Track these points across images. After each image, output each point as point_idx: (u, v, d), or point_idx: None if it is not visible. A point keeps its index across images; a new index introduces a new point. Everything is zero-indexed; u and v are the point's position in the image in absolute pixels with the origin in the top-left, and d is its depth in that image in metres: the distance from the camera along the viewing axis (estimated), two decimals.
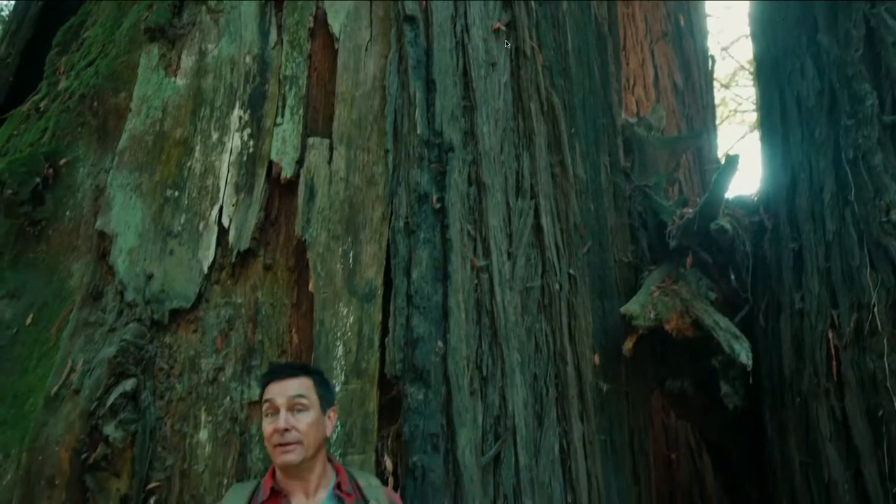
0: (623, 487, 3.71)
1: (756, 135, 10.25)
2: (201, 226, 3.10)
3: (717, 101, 9.90)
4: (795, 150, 3.82)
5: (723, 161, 3.77)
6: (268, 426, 2.03)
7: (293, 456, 1.98)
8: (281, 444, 1.98)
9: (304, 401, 2.05)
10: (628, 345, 3.62)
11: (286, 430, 1.99)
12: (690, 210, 3.96)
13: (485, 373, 2.97)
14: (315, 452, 2.04)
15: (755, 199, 4.19)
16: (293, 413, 2.02)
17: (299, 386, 2.08)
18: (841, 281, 3.29)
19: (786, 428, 3.39)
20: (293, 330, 2.96)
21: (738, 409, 3.52)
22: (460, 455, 2.71)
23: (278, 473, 2.05)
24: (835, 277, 3.32)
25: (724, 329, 3.41)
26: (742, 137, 13.94)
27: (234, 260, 3.01)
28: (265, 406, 2.07)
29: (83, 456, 2.63)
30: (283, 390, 2.05)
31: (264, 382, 2.13)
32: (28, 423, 2.84)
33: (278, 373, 2.13)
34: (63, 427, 2.69)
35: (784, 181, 3.84)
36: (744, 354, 3.25)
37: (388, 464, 2.71)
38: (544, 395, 3.18)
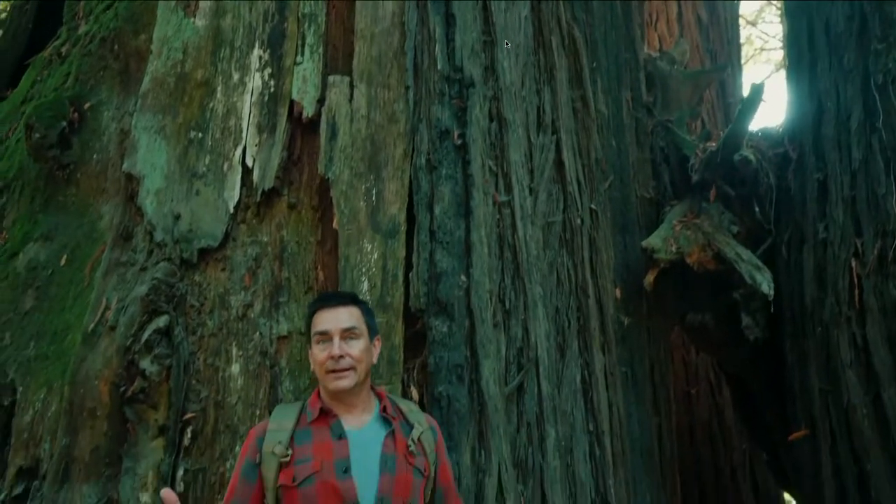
0: (644, 418, 3.79)
1: (782, 74, 10.01)
2: (225, 166, 3.14)
3: (742, 38, 9.65)
4: (823, 79, 3.75)
5: (748, 93, 3.71)
6: (320, 353, 2.08)
7: (346, 382, 2.04)
8: (335, 371, 2.04)
9: (355, 330, 2.10)
10: (649, 278, 3.64)
11: (340, 356, 2.04)
12: (713, 144, 3.92)
13: (507, 306, 3.02)
14: (364, 378, 2.11)
15: (780, 130, 4.13)
16: (346, 341, 2.07)
17: (350, 315, 2.12)
18: (866, 209, 3.26)
19: (806, 357, 3.42)
20: (319, 267, 3.01)
21: (759, 340, 3.55)
22: (484, 385, 2.79)
23: (325, 396, 2.11)
24: (859, 206, 3.29)
25: (746, 261, 3.41)
26: (768, 77, 13.59)
27: (258, 199, 3.05)
28: (317, 335, 2.10)
29: (122, 389, 2.73)
30: (335, 318, 2.10)
31: (314, 310, 2.17)
32: (68, 358, 2.95)
33: (330, 301, 2.18)
34: (101, 362, 2.79)
35: (810, 110, 3.78)
36: (765, 285, 3.26)
37: (415, 394, 2.79)
38: (566, 328, 3.23)
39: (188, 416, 2.72)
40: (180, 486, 2.65)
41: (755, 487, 6.37)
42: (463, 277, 2.89)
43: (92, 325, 2.89)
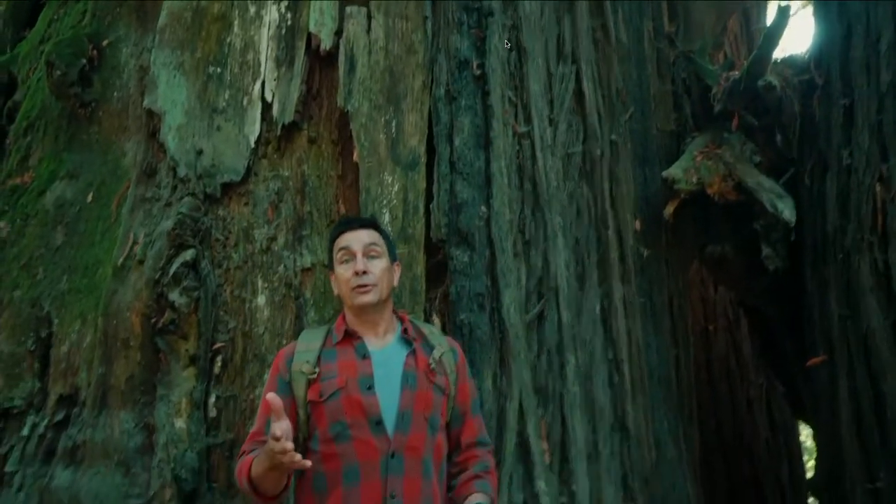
0: (662, 348, 3.84)
1: (808, 10, 9.69)
2: (245, 101, 3.15)
3: None
4: (852, 1, 3.64)
5: (774, 16, 3.61)
6: (345, 271, 2.13)
7: (370, 297, 2.09)
8: (359, 287, 2.09)
9: (377, 248, 2.15)
10: (669, 210, 3.63)
11: (364, 272, 2.09)
12: (737, 73, 3.84)
13: (527, 236, 3.05)
14: (387, 297, 2.16)
15: (805, 56, 4.03)
16: (368, 258, 2.12)
17: (371, 235, 2.18)
18: (892, 133, 3.21)
19: (826, 284, 3.43)
20: (340, 200, 3.05)
21: (779, 271, 3.56)
22: (505, 313, 2.84)
23: (349, 318, 2.17)
24: (886, 130, 3.23)
25: (768, 189, 3.40)
26: (794, 14, 13.15)
27: (279, 134, 3.07)
28: (340, 253, 2.16)
29: (153, 320, 2.81)
30: (357, 237, 2.15)
31: (336, 234, 2.22)
32: (100, 291, 3.03)
33: (351, 223, 2.24)
34: (132, 294, 2.87)
35: (838, 34, 3.68)
36: (787, 212, 3.25)
37: (437, 323, 2.85)
38: (586, 258, 3.26)
39: (217, 345, 2.80)
40: (213, 412, 2.75)
41: (771, 420, 6.46)
42: (483, 208, 2.92)
43: (121, 260, 2.96)
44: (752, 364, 6.57)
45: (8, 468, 3.16)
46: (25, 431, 3.15)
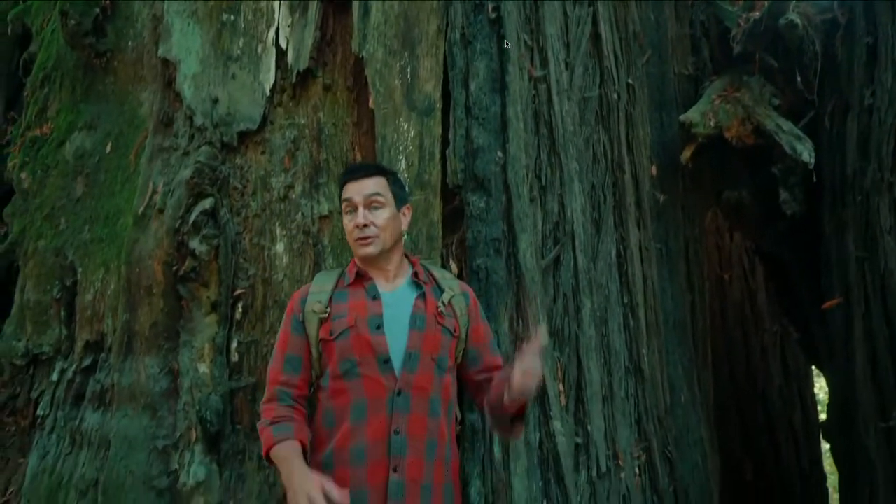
0: (677, 293, 3.86)
1: None
2: (259, 48, 3.13)
3: None
4: None
5: None
6: (348, 223, 2.17)
7: (372, 248, 2.13)
8: (361, 238, 2.13)
9: (379, 198, 2.16)
10: (686, 154, 3.60)
11: (365, 225, 2.12)
12: (757, 13, 3.76)
13: (543, 181, 3.04)
14: (392, 245, 2.19)
15: None
16: (370, 210, 2.14)
17: (374, 185, 2.18)
18: None
19: (844, 226, 3.42)
20: (356, 147, 3.04)
21: (796, 215, 3.54)
22: (521, 258, 2.85)
23: (359, 262, 2.22)
24: None
25: (787, 132, 3.36)
26: None
27: (294, 81, 3.04)
28: (344, 204, 2.19)
29: (174, 268, 2.85)
30: (359, 189, 2.16)
31: (342, 182, 2.24)
32: (122, 240, 3.08)
33: (355, 172, 2.24)
34: (153, 243, 2.91)
35: None
36: (806, 153, 3.22)
37: (454, 268, 2.87)
38: (602, 203, 3.26)
39: (238, 292, 2.84)
40: (235, 357, 2.81)
41: (785, 368, 6.51)
42: (499, 153, 2.91)
43: (141, 209, 2.99)
44: (766, 312, 6.60)
45: (39, 412, 3.27)
46: (54, 377, 3.25)
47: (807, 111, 3.78)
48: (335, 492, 1.83)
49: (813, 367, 6.60)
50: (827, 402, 4.07)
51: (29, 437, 3.40)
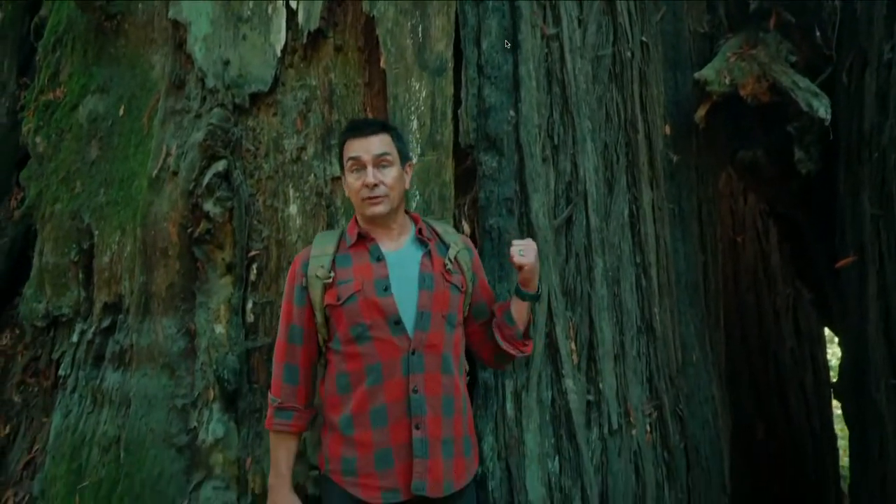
0: (690, 254, 3.85)
1: None
2: (270, 9, 3.10)
3: None
4: None
5: None
6: (355, 181, 2.14)
7: (381, 207, 2.12)
8: (370, 198, 2.11)
9: (388, 157, 2.14)
10: (701, 113, 3.56)
11: (375, 184, 2.10)
12: None
13: (556, 140, 3.02)
14: (398, 204, 2.19)
15: None
16: (379, 168, 2.12)
17: (381, 142, 2.15)
18: None
19: (860, 184, 3.39)
20: (367, 108, 3.02)
21: (811, 174, 3.51)
22: (534, 217, 2.86)
23: (361, 222, 2.20)
24: None
25: (803, 88, 3.31)
26: None
27: (304, 42, 3.02)
28: (350, 162, 2.15)
29: (189, 230, 2.88)
30: (367, 147, 2.13)
31: (345, 138, 2.20)
32: (137, 203, 3.10)
33: (361, 129, 2.20)
34: (168, 205, 2.93)
35: None
36: (822, 110, 3.18)
37: (466, 228, 2.88)
38: (615, 163, 3.24)
39: (252, 254, 2.86)
40: (250, 318, 2.85)
41: (797, 330, 6.52)
42: (511, 112, 2.89)
43: (155, 172, 3.01)
44: (779, 275, 6.58)
45: (61, 372, 3.34)
46: (75, 338, 3.31)
47: (824, 67, 3.72)
48: None
49: (825, 331, 6.60)
50: (839, 363, 4.08)
51: (52, 397, 3.48)
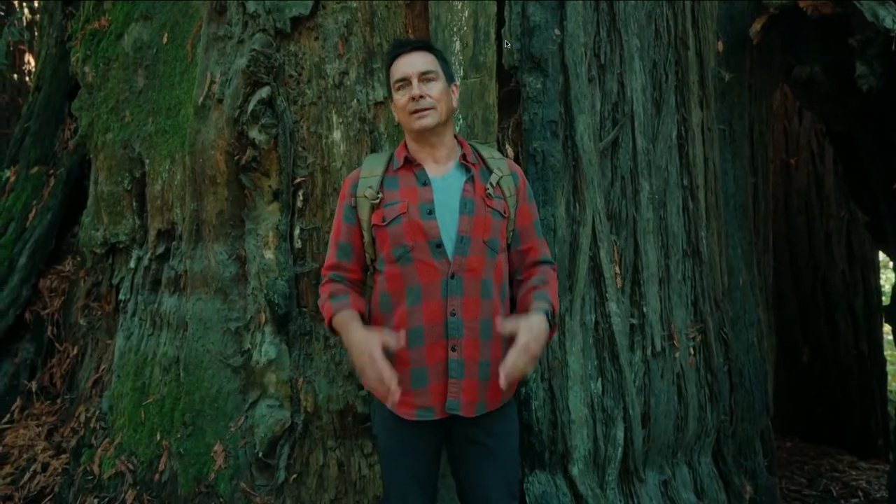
0: (740, 175, 3.76)
1: None
2: None
3: None
4: None
5: None
6: (402, 98, 2.14)
7: (429, 120, 2.11)
8: (417, 111, 2.11)
9: (432, 73, 2.14)
10: (756, 27, 3.39)
11: (421, 97, 2.10)
12: None
13: (602, 60, 2.94)
14: (446, 119, 2.17)
15: None
16: (424, 83, 2.12)
17: (425, 59, 2.15)
18: None
19: None
20: (409, 30, 2.97)
21: (872, 90, 3.33)
22: (579, 140, 2.81)
23: (410, 145, 2.21)
24: None
25: None
26: None
27: None
28: (397, 83, 2.16)
29: (236, 158, 2.92)
30: (412, 62, 2.13)
31: (391, 58, 2.20)
32: (184, 131, 3.15)
33: (404, 47, 2.19)
34: (214, 133, 2.97)
35: None
36: (889, 19, 2.99)
37: (510, 151, 2.85)
38: (663, 82, 3.14)
39: (298, 180, 2.90)
40: (298, 244, 2.90)
41: (850, 253, 6.36)
42: (556, 31, 2.81)
43: (201, 99, 3.04)
44: (833, 198, 6.39)
45: (121, 297, 3.49)
46: (132, 264, 3.44)
47: None
48: (392, 340, 1.94)
49: (880, 255, 6.43)
50: (892, 287, 3.98)
51: (114, 320, 3.65)
